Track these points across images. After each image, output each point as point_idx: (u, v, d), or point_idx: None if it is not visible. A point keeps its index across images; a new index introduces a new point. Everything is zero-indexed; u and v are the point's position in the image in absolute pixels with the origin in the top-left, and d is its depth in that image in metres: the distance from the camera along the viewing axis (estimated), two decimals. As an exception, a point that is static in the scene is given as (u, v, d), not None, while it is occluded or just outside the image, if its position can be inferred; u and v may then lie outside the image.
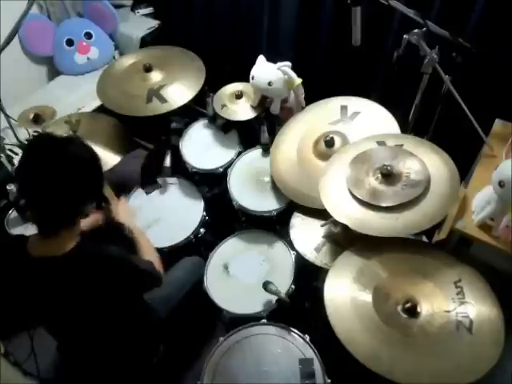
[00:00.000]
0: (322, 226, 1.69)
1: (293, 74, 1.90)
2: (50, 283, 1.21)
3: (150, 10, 2.93)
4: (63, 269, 1.20)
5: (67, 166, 1.15)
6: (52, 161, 1.13)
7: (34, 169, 1.14)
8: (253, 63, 1.99)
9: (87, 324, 1.32)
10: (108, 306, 1.30)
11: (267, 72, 1.93)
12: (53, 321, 1.34)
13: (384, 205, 1.46)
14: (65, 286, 1.21)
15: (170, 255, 1.82)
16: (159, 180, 2.12)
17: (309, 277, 1.71)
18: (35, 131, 2.04)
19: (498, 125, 1.77)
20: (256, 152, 2.08)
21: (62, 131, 1.98)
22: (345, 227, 1.51)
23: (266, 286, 1.58)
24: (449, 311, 1.32)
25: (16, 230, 1.94)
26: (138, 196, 2.08)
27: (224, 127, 2.16)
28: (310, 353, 1.46)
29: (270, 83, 1.92)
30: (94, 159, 1.23)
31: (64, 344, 1.47)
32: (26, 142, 2.01)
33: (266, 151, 2.03)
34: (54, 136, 1.19)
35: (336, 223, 1.63)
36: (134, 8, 2.92)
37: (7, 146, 2.00)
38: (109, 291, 1.26)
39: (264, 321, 1.58)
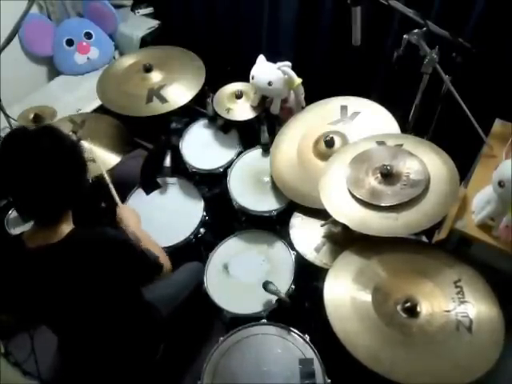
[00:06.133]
0: (322, 225, 1.69)
1: (293, 74, 1.90)
2: (50, 272, 1.21)
3: (150, 10, 2.93)
4: (61, 254, 1.19)
5: (44, 157, 1.14)
6: (28, 154, 1.12)
7: (14, 166, 1.13)
8: (253, 63, 1.99)
9: (88, 315, 1.31)
10: (108, 292, 1.29)
11: (267, 72, 1.93)
12: (55, 312, 1.32)
13: (384, 204, 1.46)
14: (65, 271, 1.21)
15: (170, 255, 1.81)
16: (159, 180, 2.12)
17: (309, 277, 1.71)
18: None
19: (497, 125, 1.76)
20: (256, 152, 2.08)
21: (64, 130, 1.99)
22: (345, 227, 1.51)
23: (265, 286, 1.58)
24: (449, 311, 1.32)
25: (16, 230, 1.94)
26: (138, 196, 2.08)
27: (224, 127, 2.16)
28: (310, 353, 1.46)
29: (269, 83, 1.91)
30: (72, 145, 1.23)
31: (65, 342, 1.46)
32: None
33: (266, 151, 2.02)
34: (26, 130, 1.18)
35: (336, 223, 1.63)
36: (133, 8, 2.92)
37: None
38: (108, 273, 1.24)
39: (264, 321, 1.58)
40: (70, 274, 1.21)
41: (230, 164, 2.04)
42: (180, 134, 2.18)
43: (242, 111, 2.06)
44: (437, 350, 1.25)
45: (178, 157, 2.11)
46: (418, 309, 1.33)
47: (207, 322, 1.95)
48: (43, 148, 1.14)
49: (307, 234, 1.73)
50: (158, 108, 1.99)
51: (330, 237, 1.69)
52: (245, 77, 2.05)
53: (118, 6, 2.83)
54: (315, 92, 2.05)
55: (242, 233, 1.91)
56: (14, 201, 1.21)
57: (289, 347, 1.49)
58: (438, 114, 1.80)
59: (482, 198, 1.48)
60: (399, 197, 1.46)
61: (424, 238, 1.83)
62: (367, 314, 1.34)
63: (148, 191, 2.09)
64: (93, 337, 1.39)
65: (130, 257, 1.28)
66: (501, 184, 1.32)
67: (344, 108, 1.90)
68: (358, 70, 2.22)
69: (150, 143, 2.67)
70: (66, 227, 1.23)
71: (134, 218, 1.64)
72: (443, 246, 1.57)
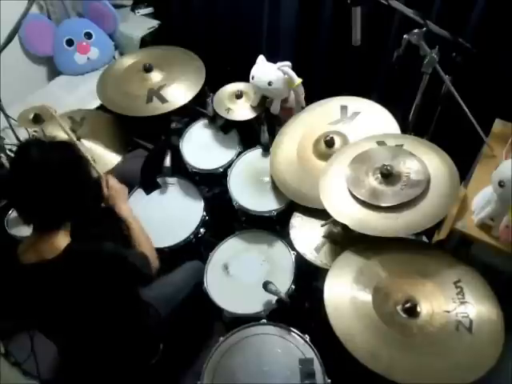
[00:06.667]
0: (322, 225, 1.69)
1: (293, 74, 1.90)
2: (46, 288, 1.22)
3: (149, 10, 2.93)
4: (58, 271, 1.20)
5: (53, 170, 1.18)
6: (38, 166, 1.17)
7: (23, 175, 1.17)
8: (253, 63, 1.99)
9: (86, 323, 1.32)
10: (105, 302, 1.30)
11: (267, 72, 1.93)
12: (53, 325, 1.33)
13: (384, 205, 1.46)
14: (62, 286, 1.22)
15: (170, 255, 1.82)
16: (159, 180, 2.12)
17: (309, 277, 1.71)
18: (35, 131, 2.04)
19: (498, 125, 1.77)
20: (256, 152, 2.08)
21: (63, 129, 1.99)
22: (345, 227, 1.51)
23: (265, 286, 1.58)
24: (449, 311, 1.32)
25: (16, 230, 1.93)
26: (138, 196, 2.08)
27: (224, 127, 2.16)
28: (310, 353, 1.46)
29: (269, 83, 1.91)
30: (79, 160, 1.27)
31: (64, 347, 1.46)
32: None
33: (266, 151, 2.03)
34: (40, 141, 1.24)
35: (336, 223, 1.63)
36: (134, 8, 2.92)
37: (7, 146, 2.00)
38: (104, 286, 1.26)
39: (264, 321, 1.58)
40: (68, 288, 1.23)
41: (230, 164, 2.04)
42: (180, 134, 2.18)
43: (242, 111, 2.06)
44: (437, 350, 1.25)
45: (177, 157, 2.11)
46: (418, 309, 1.33)
47: (207, 322, 1.95)
48: (53, 162, 1.18)
49: (307, 234, 1.73)
50: (158, 108, 1.99)
51: (330, 237, 1.68)
52: (245, 77, 2.05)
53: (118, 6, 2.83)
54: (315, 92, 2.05)
55: (242, 233, 1.91)
56: (17, 206, 1.22)
57: (289, 347, 1.49)
58: (437, 114, 1.80)
59: (482, 198, 1.48)
60: (399, 197, 1.46)
61: (424, 238, 1.83)
62: (367, 314, 1.34)
63: (148, 191, 2.09)
64: (91, 342, 1.40)
65: (126, 272, 1.32)
66: (501, 184, 1.32)
67: (344, 108, 1.90)
68: (358, 70, 2.22)
69: (150, 143, 2.67)
70: (63, 240, 1.24)
71: (124, 195, 1.66)
72: (443, 246, 1.57)
